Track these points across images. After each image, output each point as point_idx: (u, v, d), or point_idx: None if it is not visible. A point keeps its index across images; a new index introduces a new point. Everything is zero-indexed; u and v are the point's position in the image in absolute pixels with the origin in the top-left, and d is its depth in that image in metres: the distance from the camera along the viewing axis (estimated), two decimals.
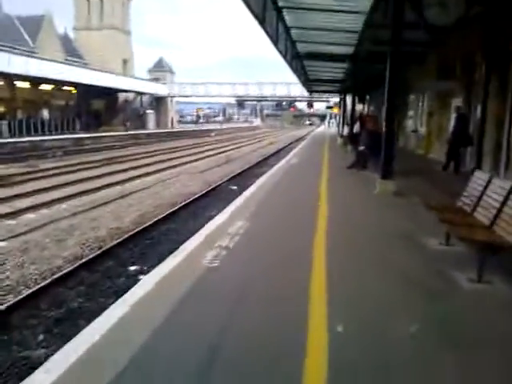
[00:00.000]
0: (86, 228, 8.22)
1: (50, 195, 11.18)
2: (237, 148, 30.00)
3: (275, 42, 13.10)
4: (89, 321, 3.36)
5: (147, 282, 3.88)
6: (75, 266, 6.05)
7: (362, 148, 11.16)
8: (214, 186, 13.31)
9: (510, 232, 3.78)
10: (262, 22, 10.85)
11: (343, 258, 4.58)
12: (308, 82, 30.82)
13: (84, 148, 26.55)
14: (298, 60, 18.90)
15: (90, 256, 6.50)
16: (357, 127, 17.52)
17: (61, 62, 33.85)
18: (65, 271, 5.86)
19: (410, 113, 19.11)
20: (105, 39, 48.06)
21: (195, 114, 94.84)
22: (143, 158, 22.29)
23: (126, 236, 7.51)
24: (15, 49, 31.94)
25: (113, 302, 3.60)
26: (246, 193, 8.72)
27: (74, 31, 50.00)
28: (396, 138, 19.78)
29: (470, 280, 3.85)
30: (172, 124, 56.06)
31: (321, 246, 4.92)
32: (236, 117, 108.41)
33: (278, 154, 25.14)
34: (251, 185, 10.19)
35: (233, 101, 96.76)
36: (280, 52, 14.72)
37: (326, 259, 4.44)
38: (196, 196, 11.43)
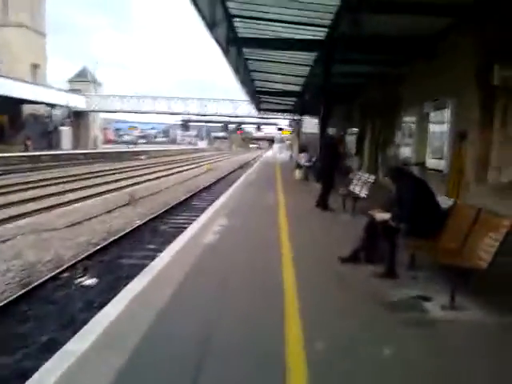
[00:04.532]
0: None
1: None
2: (162, 177, 22.79)
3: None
4: None
5: None
6: None
7: (385, 217, 4.27)
8: (52, 273, 6.13)
9: None
10: None
11: None
12: (256, 94, 24.61)
13: None
14: (236, 47, 12.19)
15: None
16: (305, 157, 15.85)
17: None
18: None
19: (408, 135, 12.60)
20: (10, 38, 39.16)
21: (134, 134, 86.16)
22: (6, 193, 14.58)
23: None
24: None
25: None
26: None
27: None
28: (375, 172, 13.55)
29: None
30: (95, 144, 47.26)
31: None
32: (179, 138, 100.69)
33: (211, 189, 18.29)
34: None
35: (179, 122, 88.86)
36: (203, 17, 8.04)
37: None
38: None
